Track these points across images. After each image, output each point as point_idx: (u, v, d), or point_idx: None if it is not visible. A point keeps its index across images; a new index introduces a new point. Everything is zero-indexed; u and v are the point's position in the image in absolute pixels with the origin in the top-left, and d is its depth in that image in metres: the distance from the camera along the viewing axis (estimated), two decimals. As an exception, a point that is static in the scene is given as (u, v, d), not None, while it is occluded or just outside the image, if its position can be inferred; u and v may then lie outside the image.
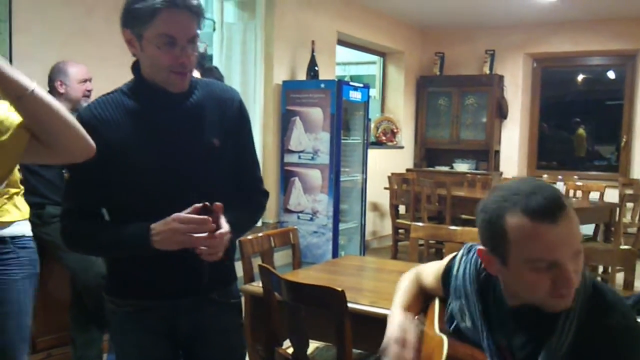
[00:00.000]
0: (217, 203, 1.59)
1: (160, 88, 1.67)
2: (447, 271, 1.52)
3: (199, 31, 1.65)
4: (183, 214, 1.57)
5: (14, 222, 2.37)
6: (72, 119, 1.48)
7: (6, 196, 2.34)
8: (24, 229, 2.43)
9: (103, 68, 4.17)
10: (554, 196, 1.23)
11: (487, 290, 1.40)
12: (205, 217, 1.57)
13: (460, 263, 1.48)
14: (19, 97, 1.37)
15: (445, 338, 1.41)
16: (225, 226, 1.61)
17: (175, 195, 1.66)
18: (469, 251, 1.48)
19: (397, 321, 1.55)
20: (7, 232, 2.35)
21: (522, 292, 1.29)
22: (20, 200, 2.42)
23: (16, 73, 1.37)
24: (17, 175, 2.37)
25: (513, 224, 1.23)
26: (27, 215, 2.45)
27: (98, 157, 1.62)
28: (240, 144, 1.83)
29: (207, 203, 1.58)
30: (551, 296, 1.23)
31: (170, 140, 1.68)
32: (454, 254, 1.55)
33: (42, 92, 1.40)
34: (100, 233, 1.70)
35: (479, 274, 1.41)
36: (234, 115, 1.79)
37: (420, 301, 1.66)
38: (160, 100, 1.69)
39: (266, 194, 1.94)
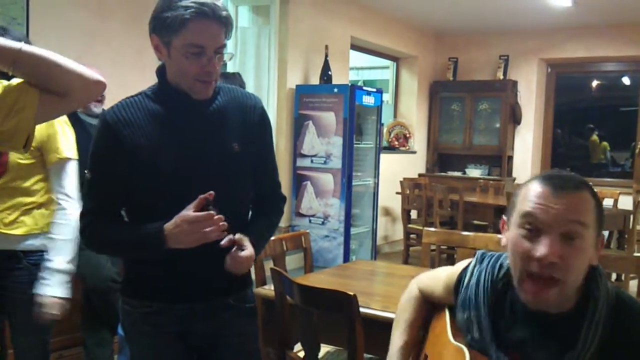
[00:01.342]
0: (211, 192, 1.62)
1: (184, 93, 1.68)
2: (459, 281, 1.49)
3: (226, 41, 1.66)
4: (190, 214, 1.59)
5: (27, 234, 2.26)
6: (69, 61, 1.49)
7: (24, 208, 2.24)
8: (40, 243, 2.27)
9: (119, 72, 4.21)
10: (574, 177, 1.26)
11: (502, 300, 1.37)
12: (210, 212, 1.60)
13: (472, 273, 1.45)
14: (13, 60, 1.39)
15: (465, 348, 1.38)
16: (249, 249, 1.68)
17: (194, 196, 1.67)
18: (482, 260, 1.46)
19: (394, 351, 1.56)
20: (21, 246, 2.25)
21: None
22: (41, 213, 2.29)
23: (1, 40, 1.39)
24: (39, 185, 2.28)
25: (528, 187, 1.28)
26: (47, 229, 2.29)
27: (120, 158, 1.65)
28: (261, 150, 1.85)
29: (206, 197, 1.61)
30: None
31: (191, 144, 1.70)
32: (465, 262, 1.52)
33: (30, 47, 1.42)
34: (117, 233, 1.72)
35: (495, 284, 1.39)
36: (256, 122, 1.81)
37: (422, 317, 1.65)
38: (183, 105, 1.70)
39: (284, 199, 1.97)
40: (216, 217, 1.60)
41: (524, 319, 1.33)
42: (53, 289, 2.21)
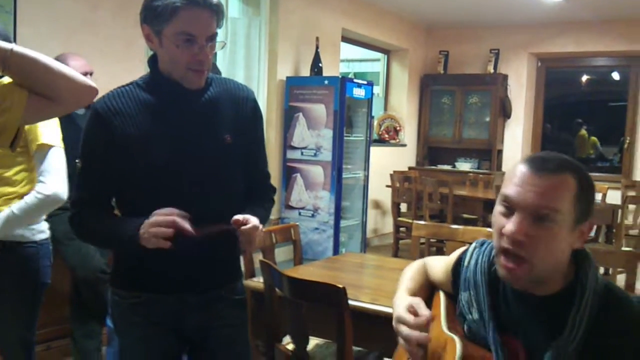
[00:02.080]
0: (236, 218, 1.62)
1: (176, 83, 1.68)
2: (458, 262, 1.52)
3: (218, 30, 1.65)
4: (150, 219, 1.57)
5: None
6: (61, 65, 1.48)
7: (5, 197, 2.22)
8: (19, 234, 2.25)
9: (108, 62, 4.18)
10: (557, 159, 1.27)
11: (497, 284, 1.40)
12: (171, 209, 1.57)
13: (472, 255, 1.48)
14: (3, 60, 1.38)
15: (456, 338, 1.39)
16: (254, 219, 1.66)
17: (186, 188, 1.68)
18: (482, 244, 1.48)
19: (404, 304, 1.50)
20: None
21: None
22: None
23: None
24: (21, 175, 2.27)
25: (515, 167, 1.30)
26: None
27: (110, 147, 1.64)
28: (253, 142, 1.85)
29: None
30: None
31: (183, 135, 1.70)
32: (466, 247, 1.55)
33: (22, 48, 1.41)
34: (101, 224, 1.70)
35: (491, 266, 1.41)
36: (248, 113, 1.81)
37: (426, 291, 1.65)
38: (175, 95, 1.70)
39: (274, 190, 1.99)
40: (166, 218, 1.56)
41: (513, 300, 1.35)
42: None
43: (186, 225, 1.55)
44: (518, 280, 1.28)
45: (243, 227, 1.63)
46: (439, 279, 1.62)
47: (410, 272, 1.70)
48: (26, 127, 2.20)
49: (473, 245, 1.51)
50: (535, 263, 1.24)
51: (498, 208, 1.30)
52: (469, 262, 1.48)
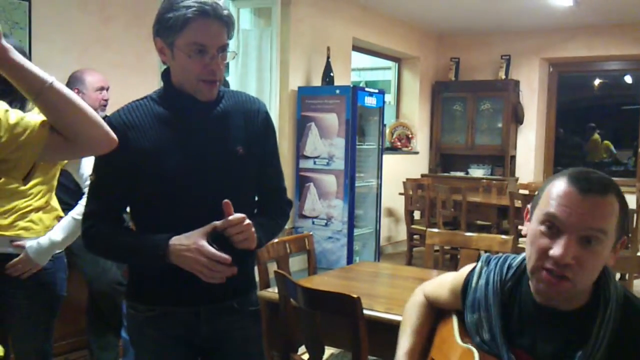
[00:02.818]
0: (226, 201, 1.60)
1: (188, 96, 1.70)
2: (467, 283, 1.49)
3: (229, 41, 1.67)
4: (208, 249, 1.59)
5: (26, 238, 2.26)
6: (91, 111, 1.48)
7: (21, 211, 2.25)
8: None
9: (121, 75, 4.22)
10: (602, 179, 1.25)
11: (511, 302, 1.38)
12: (228, 257, 1.59)
13: (480, 274, 1.46)
14: (39, 91, 1.39)
15: (473, 348, 1.38)
16: (241, 214, 1.64)
17: (199, 200, 1.69)
18: (488, 262, 1.46)
19: None
20: (17, 250, 2.24)
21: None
22: (38, 217, 2.31)
23: (35, 68, 1.39)
24: (37, 189, 2.28)
25: (554, 184, 1.27)
26: (42, 233, 2.30)
27: (125, 160, 1.65)
28: (266, 155, 1.86)
29: (218, 225, 1.60)
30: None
31: (196, 148, 1.71)
32: (470, 266, 1.52)
33: (60, 84, 1.42)
34: (121, 238, 1.72)
35: (504, 284, 1.39)
36: (260, 126, 1.82)
37: (429, 325, 1.64)
38: (188, 109, 1.72)
39: (290, 204, 1.97)
40: (230, 266, 1.61)
41: (534, 315, 1.33)
42: (34, 249, 2.23)
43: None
44: (558, 295, 1.26)
45: (231, 217, 1.61)
46: (446, 303, 1.59)
47: (409, 311, 1.68)
48: None
49: (479, 264, 1.49)
50: (578, 282, 1.24)
51: (539, 227, 1.26)
52: (477, 283, 1.45)
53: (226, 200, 1.61)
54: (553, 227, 1.24)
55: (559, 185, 1.25)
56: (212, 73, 1.65)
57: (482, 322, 1.40)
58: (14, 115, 1.48)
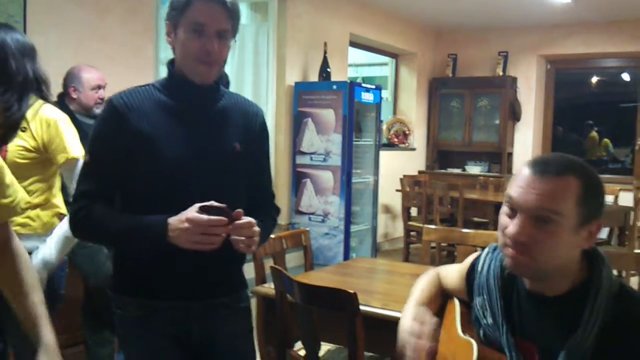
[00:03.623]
0: (239, 210, 1.59)
1: (190, 85, 1.72)
2: (472, 268, 1.54)
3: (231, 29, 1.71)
4: (197, 215, 1.56)
5: (21, 235, 2.24)
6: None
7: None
8: (33, 245, 2.21)
9: (117, 69, 4.20)
10: (560, 161, 1.29)
11: (510, 288, 1.41)
12: (220, 217, 1.56)
13: (485, 260, 1.50)
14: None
15: (472, 341, 1.40)
16: (252, 219, 1.62)
17: (193, 187, 1.69)
18: (494, 249, 1.50)
19: (411, 314, 1.54)
20: None
21: None
22: (36, 214, 2.27)
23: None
24: (36, 186, 2.25)
25: (520, 169, 1.32)
26: (41, 231, 2.26)
27: (122, 141, 1.66)
28: (259, 157, 1.89)
29: (226, 206, 1.58)
30: None
31: (194, 136, 1.72)
32: (478, 252, 1.56)
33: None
34: (115, 219, 1.67)
35: (503, 271, 1.42)
36: (257, 129, 1.86)
37: (439, 301, 1.65)
38: (190, 99, 1.74)
39: (278, 211, 1.97)
40: (228, 227, 1.58)
41: (526, 301, 1.37)
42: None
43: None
44: (522, 268, 1.30)
45: (237, 222, 1.59)
46: (454, 287, 1.63)
47: (422, 283, 1.70)
48: (48, 138, 2.22)
49: (486, 250, 1.53)
50: (538, 260, 1.27)
51: (503, 208, 1.33)
52: (482, 268, 1.50)
53: (239, 209, 1.60)
54: (512, 207, 1.30)
55: (522, 170, 1.31)
56: (207, 54, 1.67)
57: (485, 306, 1.44)
58: (10, 177, 1.46)
